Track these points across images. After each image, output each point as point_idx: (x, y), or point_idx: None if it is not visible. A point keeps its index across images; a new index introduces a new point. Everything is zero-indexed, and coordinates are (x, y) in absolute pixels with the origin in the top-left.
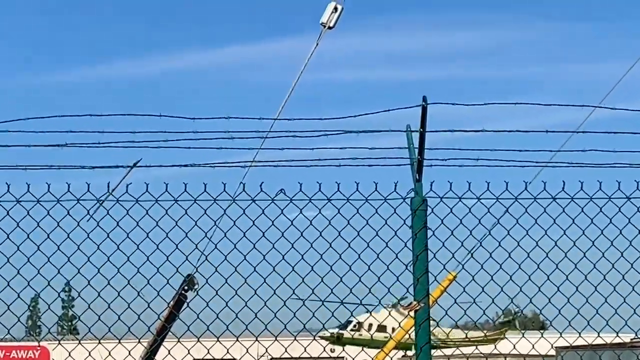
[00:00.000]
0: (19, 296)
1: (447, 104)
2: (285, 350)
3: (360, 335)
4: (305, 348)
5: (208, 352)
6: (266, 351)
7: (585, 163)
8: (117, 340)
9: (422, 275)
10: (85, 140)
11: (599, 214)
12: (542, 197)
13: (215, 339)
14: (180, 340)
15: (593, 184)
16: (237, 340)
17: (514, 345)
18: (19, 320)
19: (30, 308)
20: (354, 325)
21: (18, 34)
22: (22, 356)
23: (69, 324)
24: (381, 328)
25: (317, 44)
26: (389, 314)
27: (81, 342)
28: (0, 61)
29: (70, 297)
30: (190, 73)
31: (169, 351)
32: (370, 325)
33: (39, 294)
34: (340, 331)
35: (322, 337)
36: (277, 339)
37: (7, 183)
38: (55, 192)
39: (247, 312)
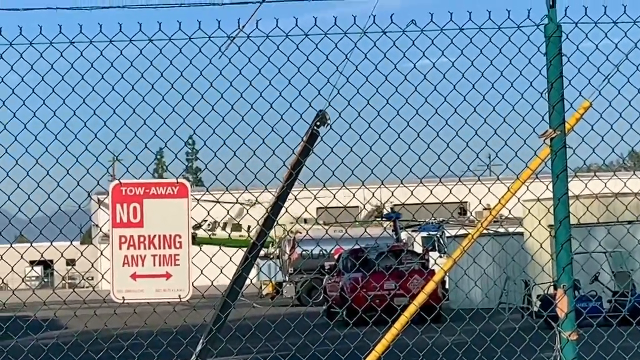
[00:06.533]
0: (156, 133)
1: None
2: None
3: (215, 234)
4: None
5: (334, 198)
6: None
7: None
8: (254, 175)
9: (557, 103)
10: None
11: None
12: None
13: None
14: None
15: None
16: (375, 173)
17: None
18: (156, 157)
19: (156, 161)
20: (209, 224)
21: None
22: (161, 192)
23: (194, 175)
24: (236, 227)
25: None
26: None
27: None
28: None
29: (195, 150)
30: None
31: (295, 197)
32: (225, 224)
33: (175, 132)
34: (194, 231)
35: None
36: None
37: (138, 22)
38: (186, 30)
39: (380, 145)
